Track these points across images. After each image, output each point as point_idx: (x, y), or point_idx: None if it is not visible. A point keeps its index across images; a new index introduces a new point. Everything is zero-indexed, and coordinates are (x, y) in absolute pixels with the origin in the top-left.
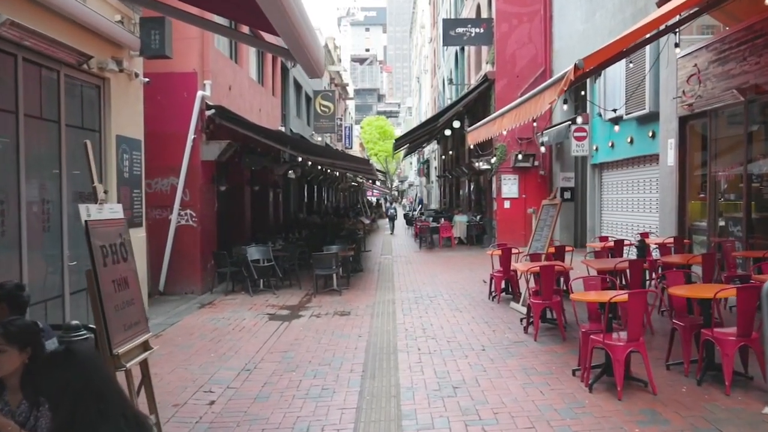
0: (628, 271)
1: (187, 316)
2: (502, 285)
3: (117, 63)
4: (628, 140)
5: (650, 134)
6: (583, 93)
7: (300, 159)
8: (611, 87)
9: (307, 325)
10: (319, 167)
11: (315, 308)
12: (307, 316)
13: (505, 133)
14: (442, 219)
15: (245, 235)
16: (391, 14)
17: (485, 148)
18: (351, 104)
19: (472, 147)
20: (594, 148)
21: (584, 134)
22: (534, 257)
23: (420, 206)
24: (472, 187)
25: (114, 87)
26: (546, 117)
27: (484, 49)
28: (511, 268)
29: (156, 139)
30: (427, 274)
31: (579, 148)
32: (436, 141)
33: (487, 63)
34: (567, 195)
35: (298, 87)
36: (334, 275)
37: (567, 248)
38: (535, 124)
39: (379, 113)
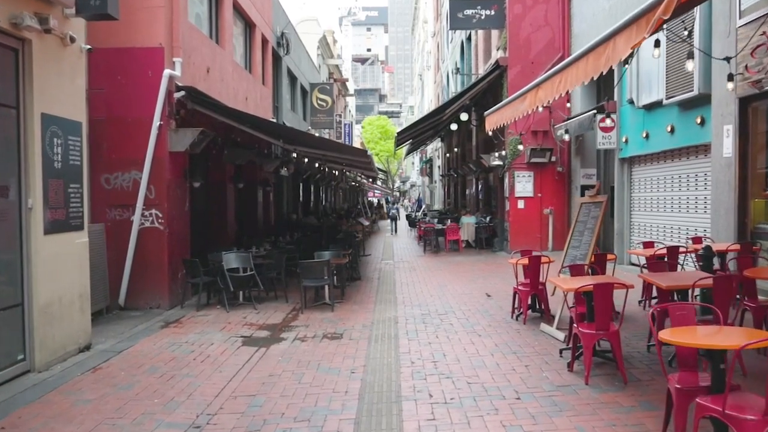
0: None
1: (144, 339)
2: (528, 301)
3: (40, 20)
4: (668, 129)
5: (698, 120)
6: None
7: (295, 155)
8: (646, 69)
9: (287, 354)
10: (317, 165)
11: (301, 328)
12: (289, 340)
13: (540, 109)
14: (449, 220)
15: (228, 239)
16: (392, 14)
17: (496, 142)
18: (351, 101)
19: (490, 133)
20: (623, 140)
21: (612, 124)
22: (575, 270)
23: (423, 206)
24: (480, 185)
25: (38, 52)
26: (564, 107)
27: (494, 35)
28: (548, 283)
29: (116, 126)
30: (434, 283)
31: (606, 140)
32: (440, 138)
33: (498, 49)
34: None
35: (292, 78)
36: (326, 287)
37: (609, 256)
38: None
39: (381, 113)
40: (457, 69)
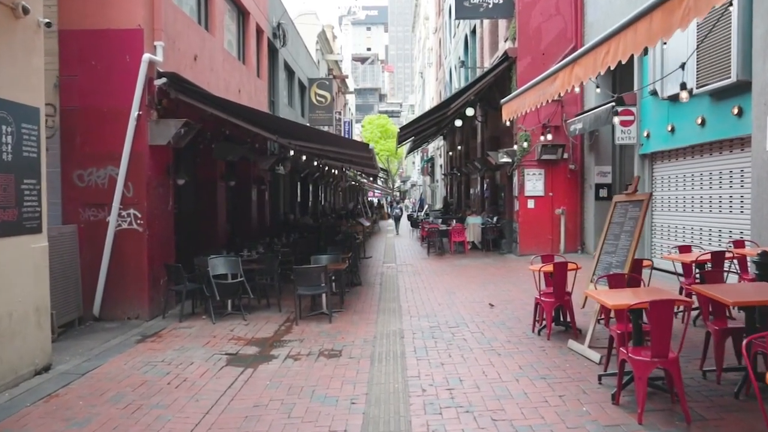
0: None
1: (114, 358)
2: (553, 313)
3: None
4: (698, 121)
5: (735, 111)
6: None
7: (292, 152)
8: (672, 56)
9: (277, 376)
10: (315, 163)
11: (294, 343)
12: (280, 358)
13: (578, 89)
14: (454, 221)
15: (218, 242)
16: (392, 14)
17: (503, 139)
18: (351, 99)
19: (508, 123)
20: (644, 134)
21: (631, 118)
22: (614, 281)
23: (426, 207)
24: (486, 184)
25: None
26: (576, 101)
27: (502, 26)
28: (583, 295)
29: (90, 117)
30: (441, 289)
31: (625, 135)
32: (442, 137)
33: (506, 40)
34: (603, 193)
35: (290, 72)
36: (324, 295)
37: (645, 262)
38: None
39: (381, 113)
40: (462, 62)
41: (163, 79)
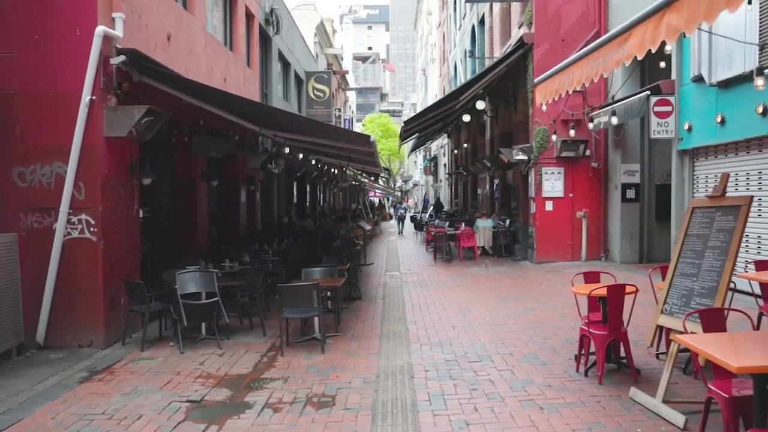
0: None
1: (42, 408)
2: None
3: None
4: (759, 110)
5: None
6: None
7: (287, 150)
8: (722, 39)
9: None
10: (313, 161)
11: (276, 384)
12: (256, 409)
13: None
14: (463, 224)
15: (199, 250)
16: (393, 12)
17: (516, 135)
18: (352, 96)
19: (544, 107)
20: (685, 126)
21: (669, 108)
22: (710, 319)
23: (430, 208)
24: (496, 184)
25: None
26: (600, 91)
27: (515, 12)
28: (675, 341)
29: (33, 102)
30: (453, 306)
31: (662, 128)
32: (446, 134)
33: (520, 26)
34: (630, 194)
35: (285, 64)
36: (316, 319)
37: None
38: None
39: (382, 112)
40: (471, 52)
41: (122, 57)
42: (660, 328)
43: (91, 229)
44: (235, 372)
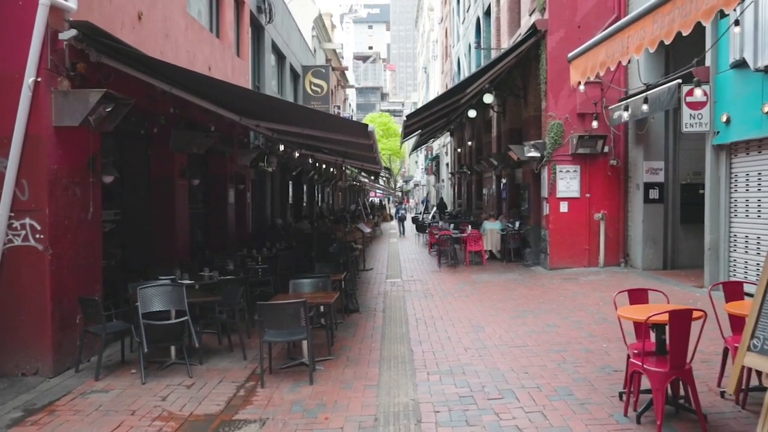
0: None
1: None
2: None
3: None
4: None
5: None
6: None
7: (282, 147)
8: None
9: None
10: (310, 160)
11: (251, 428)
12: None
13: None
14: (470, 226)
15: (177, 256)
16: (394, 12)
17: (526, 131)
18: (352, 94)
19: (582, 87)
20: (722, 118)
21: (704, 98)
22: None
23: (433, 210)
24: (503, 184)
25: None
26: (619, 83)
27: (524, 1)
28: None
29: None
30: (464, 322)
31: (695, 120)
32: (449, 133)
33: (531, 13)
34: (654, 194)
35: (280, 56)
36: (304, 343)
37: None
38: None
39: (383, 111)
40: (477, 43)
41: (73, 32)
42: (745, 369)
43: (37, 236)
44: (203, 411)
